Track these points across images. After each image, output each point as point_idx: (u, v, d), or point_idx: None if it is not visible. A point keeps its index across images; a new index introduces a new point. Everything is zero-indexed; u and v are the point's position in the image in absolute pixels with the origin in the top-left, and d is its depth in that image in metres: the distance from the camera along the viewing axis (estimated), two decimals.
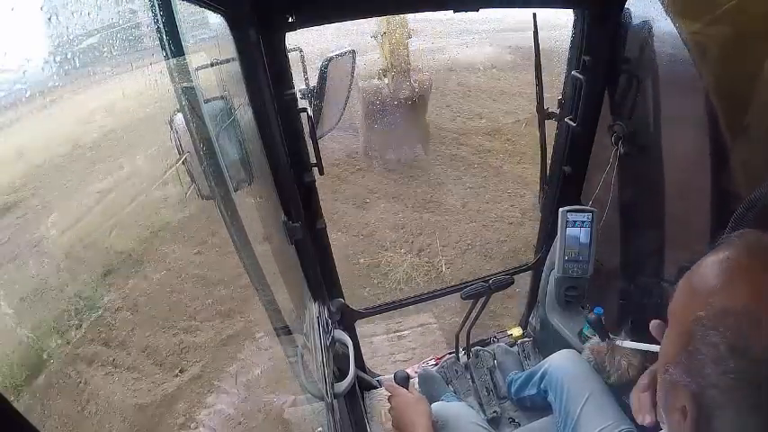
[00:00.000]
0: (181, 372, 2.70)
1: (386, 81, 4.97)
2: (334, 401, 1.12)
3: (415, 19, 5.45)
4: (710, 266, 0.48)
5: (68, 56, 0.49)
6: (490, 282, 1.50)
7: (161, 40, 0.61)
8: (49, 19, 0.45)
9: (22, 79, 0.44)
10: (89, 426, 2.34)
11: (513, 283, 1.55)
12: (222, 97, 0.87)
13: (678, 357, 0.48)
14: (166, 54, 0.62)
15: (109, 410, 2.42)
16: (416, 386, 1.67)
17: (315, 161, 1.19)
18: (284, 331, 1.09)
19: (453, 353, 1.80)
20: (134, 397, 2.49)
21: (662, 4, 1.08)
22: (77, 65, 0.51)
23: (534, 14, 1.25)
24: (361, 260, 3.80)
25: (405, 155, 5.24)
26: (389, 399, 1.08)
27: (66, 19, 0.47)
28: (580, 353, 1.27)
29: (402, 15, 4.58)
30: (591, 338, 1.26)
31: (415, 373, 1.77)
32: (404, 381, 1.15)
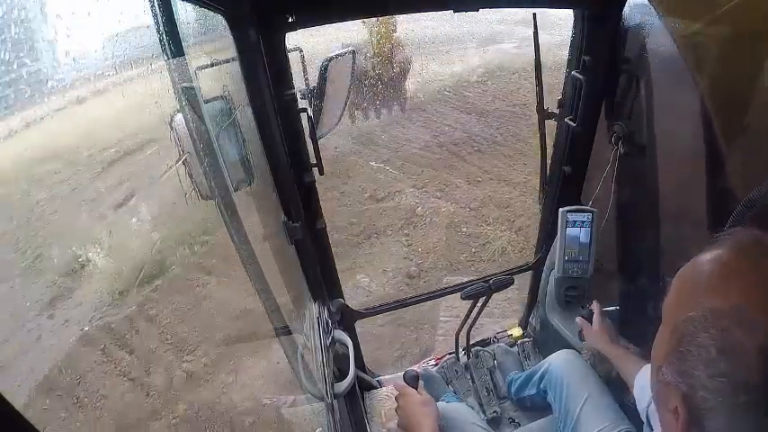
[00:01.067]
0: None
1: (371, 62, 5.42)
2: (334, 401, 1.12)
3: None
4: (701, 265, 0.48)
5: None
6: (490, 282, 1.50)
7: (161, 40, 0.61)
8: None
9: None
10: (198, 318, 2.79)
11: (513, 283, 1.55)
12: (222, 97, 0.87)
13: (670, 357, 0.48)
14: (166, 54, 0.62)
15: (219, 310, 2.87)
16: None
17: (315, 161, 1.19)
18: (284, 331, 1.09)
19: (453, 353, 1.80)
20: (243, 304, 2.72)
21: (662, 4, 1.08)
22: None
23: (534, 15, 1.25)
24: (464, 229, 4.09)
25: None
26: (397, 398, 1.07)
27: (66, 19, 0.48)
28: (580, 353, 1.27)
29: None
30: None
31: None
32: (413, 380, 1.12)
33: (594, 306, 1.27)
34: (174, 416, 2.38)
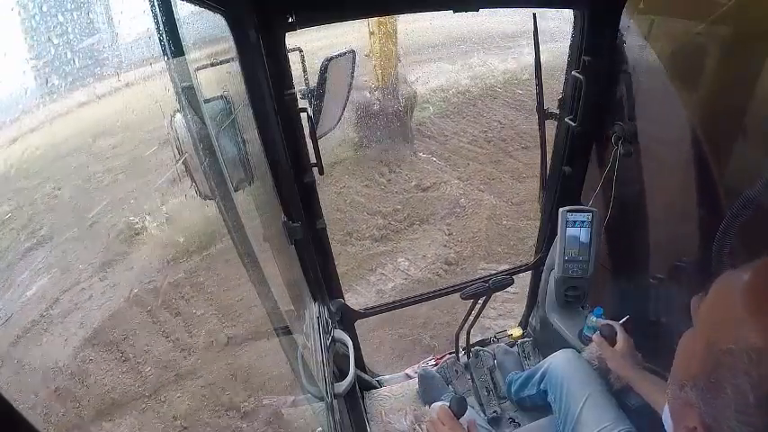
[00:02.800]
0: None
1: (376, 95, 5.29)
2: (334, 401, 1.11)
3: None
4: (753, 287, 0.43)
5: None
6: (490, 282, 1.50)
7: (161, 40, 0.61)
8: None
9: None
10: (243, 290, 2.78)
11: (512, 282, 1.55)
12: (222, 97, 0.87)
13: (700, 381, 0.44)
14: (166, 54, 0.62)
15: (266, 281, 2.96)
16: (417, 386, 1.67)
17: (315, 161, 1.19)
18: (284, 331, 1.09)
19: (453, 353, 1.80)
20: (285, 278, 2.93)
21: (661, 4, 1.08)
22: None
23: (534, 15, 1.25)
24: (504, 222, 4.18)
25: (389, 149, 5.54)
26: (431, 426, 1.01)
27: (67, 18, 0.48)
28: (580, 353, 1.27)
29: (392, 39, 4.92)
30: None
31: (415, 372, 1.77)
32: (461, 408, 1.01)
33: (616, 325, 1.16)
34: (211, 376, 2.47)
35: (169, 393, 2.40)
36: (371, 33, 4.92)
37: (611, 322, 1.18)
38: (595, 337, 1.17)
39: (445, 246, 3.91)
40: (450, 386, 1.68)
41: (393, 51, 5.05)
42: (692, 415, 0.44)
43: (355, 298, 3.20)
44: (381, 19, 4.65)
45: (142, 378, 2.43)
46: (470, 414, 1.15)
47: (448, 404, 1.04)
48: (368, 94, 5.23)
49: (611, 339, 1.14)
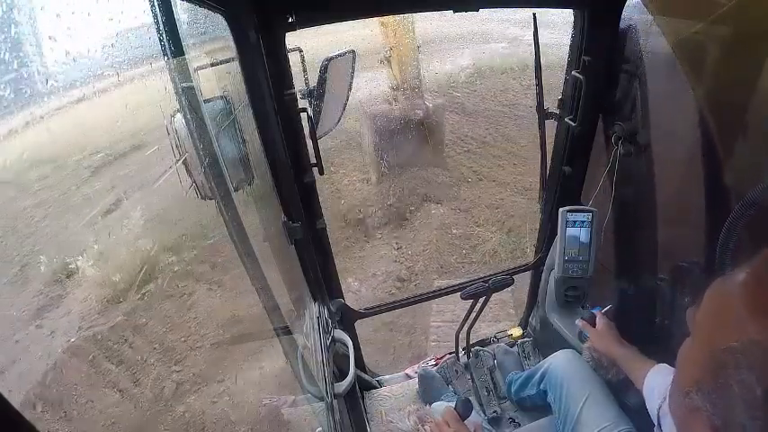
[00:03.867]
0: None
1: (395, 104, 4.74)
2: (334, 401, 1.11)
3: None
4: (746, 283, 0.43)
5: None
6: (490, 282, 1.50)
7: (161, 40, 0.61)
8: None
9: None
10: (187, 327, 2.74)
11: (513, 282, 1.55)
12: (222, 97, 0.87)
13: (704, 386, 0.43)
14: (166, 54, 0.62)
15: (207, 318, 2.84)
16: (417, 386, 1.67)
17: (315, 161, 1.19)
18: (284, 331, 1.09)
19: (453, 353, 1.80)
20: (232, 311, 2.81)
21: (661, 4, 1.08)
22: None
23: (534, 14, 1.25)
24: (454, 231, 4.12)
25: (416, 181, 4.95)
26: (435, 427, 1.02)
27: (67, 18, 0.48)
28: (580, 353, 1.27)
29: (410, 30, 4.57)
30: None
31: (415, 372, 1.77)
32: (466, 410, 1.00)
33: (596, 312, 1.24)
34: (165, 427, 2.34)
35: None
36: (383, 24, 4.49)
37: (592, 311, 1.26)
38: (578, 321, 1.25)
39: (395, 261, 3.83)
40: (450, 386, 1.68)
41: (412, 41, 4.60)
42: (700, 420, 0.44)
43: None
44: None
45: None
46: (475, 417, 1.16)
47: (453, 405, 1.04)
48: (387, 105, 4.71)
49: (591, 321, 1.22)
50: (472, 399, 1.62)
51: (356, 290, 3.59)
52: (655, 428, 0.84)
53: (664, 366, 0.95)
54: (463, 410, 1.02)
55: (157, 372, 2.59)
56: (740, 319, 0.41)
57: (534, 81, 1.40)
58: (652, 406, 0.87)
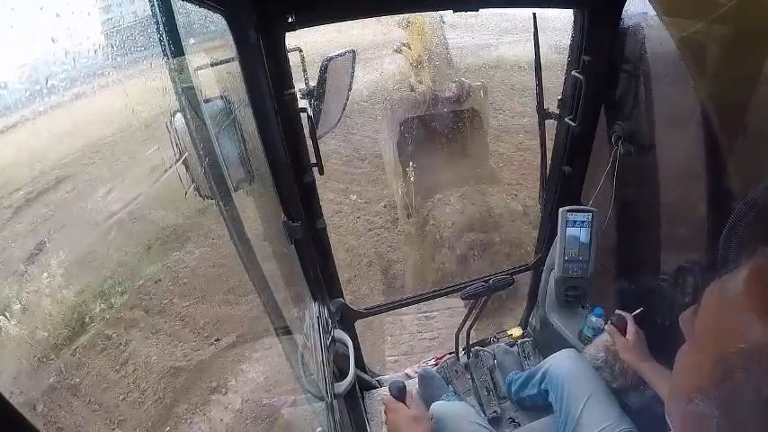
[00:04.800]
0: (216, 341, 2.83)
1: (421, 87, 3.70)
2: (334, 401, 1.11)
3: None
4: (747, 284, 0.42)
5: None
6: (490, 282, 1.50)
7: (161, 40, 0.61)
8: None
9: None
10: (126, 384, 2.50)
11: (513, 282, 1.55)
12: (222, 97, 0.87)
13: (709, 390, 0.42)
14: (166, 54, 0.62)
15: (146, 371, 2.61)
16: (417, 386, 1.67)
17: (315, 161, 1.19)
18: (284, 331, 1.09)
19: (453, 353, 1.80)
20: (170, 360, 2.63)
21: (661, 4, 1.08)
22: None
23: (534, 15, 1.25)
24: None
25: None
26: (385, 412, 1.02)
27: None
28: (580, 353, 1.27)
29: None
30: (594, 338, 1.27)
31: (415, 372, 1.77)
32: (400, 392, 1.02)
33: (626, 316, 1.17)
34: None
35: None
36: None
37: (623, 313, 1.18)
38: (608, 327, 1.17)
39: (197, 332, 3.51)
40: (450, 386, 1.68)
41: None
42: (706, 426, 0.43)
43: None
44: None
45: None
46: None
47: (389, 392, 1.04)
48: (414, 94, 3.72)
49: (621, 331, 1.15)
50: (472, 398, 1.62)
51: None
52: None
53: None
54: (397, 394, 1.02)
55: None
56: (745, 320, 0.40)
57: (534, 81, 1.40)
58: None
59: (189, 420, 2.41)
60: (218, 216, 0.78)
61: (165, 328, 2.85)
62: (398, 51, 4.06)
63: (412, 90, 3.81)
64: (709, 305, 0.45)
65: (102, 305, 2.62)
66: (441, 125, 3.60)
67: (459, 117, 3.64)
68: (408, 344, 2.88)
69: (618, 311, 1.20)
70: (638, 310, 1.20)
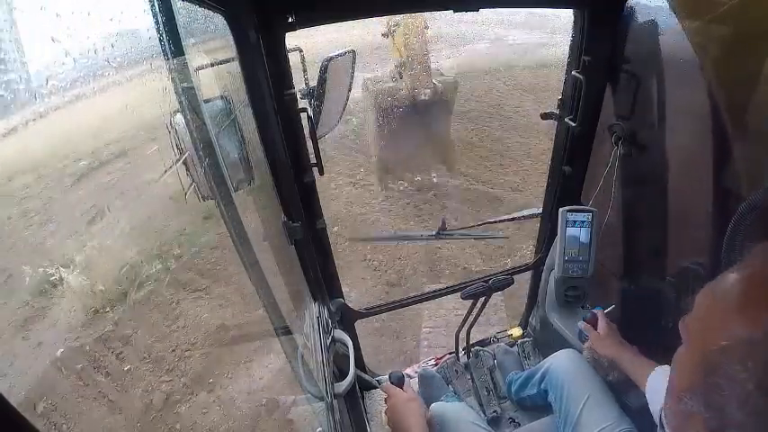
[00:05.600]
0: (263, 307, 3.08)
1: (402, 82, 4.37)
2: (334, 401, 1.11)
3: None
4: (734, 285, 0.43)
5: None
6: (490, 282, 1.50)
7: (161, 40, 0.61)
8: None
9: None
10: (175, 338, 2.72)
11: (512, 282, 1.55)
12: (222, 97, 0.87)
13: (697, 388, 0.44)
14: (166, 54, 0.62)
15: (195, 327, 2.82)
16: (416, 386, 1.67)
17: (315, 161, 1.18)
18: (284, 331, 1.09)
19: (453, 353, 1.80)
20: (219, 319, 2.80)
21: (662, 4, 1.08)
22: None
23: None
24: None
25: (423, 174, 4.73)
26: (385, 400, 1.09)
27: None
28: (580, 353, 1.27)
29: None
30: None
31: (415, 372, 1.77)
32: (399, 381, 1.14)
33: (597, 312, 1.25)
34: None
35: None
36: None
37: (594, 310, 1.26)
38: (581, 324, 1.25)
39: (376, 271, 3.80)
40: (450, 386, 1.68)
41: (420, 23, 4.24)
42: (695, 424, 0.44)
43: None
44: None
45: None
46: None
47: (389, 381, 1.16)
48: (391, 83, 4.43)
49: (593, 323, 1.23)
50: (472, 399, 1.62)
51: None
52: (658, 429, 0.84)
53: (667, 368, 0.95)
54: (396, 382, 1.14)
55: (147, 381, 2.54)
56: (732, 318, 0.42)
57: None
58: (655, 408, 0.87)
59: (231, 375, 2.56)
60: (218, 216, 0.78)
61: (216, 291, 3.02)
62: (386, 35, 4.57)
63: (394, 80, 4.52)
64: (701, 306, 0.47)
65: (158, 266, 2.83)
66: (413, 116, 4.39)
67: (428, 109, 4.42)
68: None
69: (591, 310, 1.28)
70: (610, 307, 1.27)
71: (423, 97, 4.25)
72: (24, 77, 0.47)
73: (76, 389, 2.40)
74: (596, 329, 1.21)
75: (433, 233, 1.73)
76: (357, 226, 4.31)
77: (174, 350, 2.68)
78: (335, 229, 4.16)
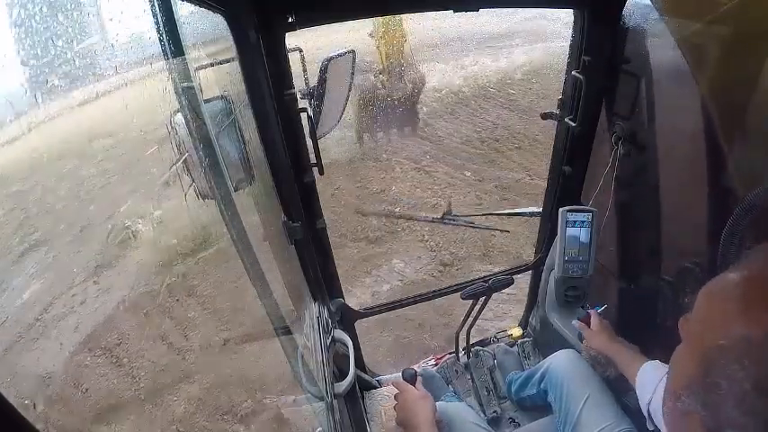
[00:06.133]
0: None
1: (381, 79, 5.29)
2: (334, 401, 1.11)
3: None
4: (733, 284, 0.43)
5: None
6: (490, 282, 1.50)
7: (161, 40, 0.61)
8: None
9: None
10: (238, 291, 2.64)
11: (512, 282, 1.55)
12: (222, 97, 0.87)
13: (694, 387, 0.43)
14: (166, 54, 0.62)
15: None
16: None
17: (315, 161, 1.18)
18: (284, 331, 1.09)
19: (453, 353, 1.80)
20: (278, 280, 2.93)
21: (662, 3, 1.08)
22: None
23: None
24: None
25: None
26: (396, 396, 1.09)
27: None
28: (580, 353, 1.27)
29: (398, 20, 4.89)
30: None
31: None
32: (411, 378, 1.15)
33: (590, 311, 1.28)
34: (208, 379, 2.46)
35: (165, 397, 2.39)
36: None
37: (587, 309, 1.30)
38: (575, 322, 1.28)
39: (432, 251, 3.92)
40: (450, 386, 1.68)
41: (400, 29, 5.10)
42: (693, 423, 0.44)
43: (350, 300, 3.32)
44: None
45: (137, 383, 2.42)
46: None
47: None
48: (372, 78, 5.25)
49: (587, 321, 1.26)
50: (472, 399, 1.63)
51: None
52: (647, 422, 0.84)
53: (657, 362, 0.96)
54: (409, 379, 1.16)
55: (207, 328, 2.71)
56: (729, 317, 0.42)
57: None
58: (643, 402, 0.89)
59: (240, 366, 2.62)
60: (217, 216, 0.78)
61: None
62: (371, 35, 5.38)
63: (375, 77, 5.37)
64: (700, 306, 0.47)
65: (224, 230, 2.95)
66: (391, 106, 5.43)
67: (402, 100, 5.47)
68: None
69: (585, 310, 1.31)
70: (602, 307, 1.30)
71: (402, 93, 5.30)
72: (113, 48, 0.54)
73: (140, 329, 2.53)
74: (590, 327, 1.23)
75: (438, 216, 1.75)
76: (419, 207, 4.54)
77: (235, 303, 2.76)
78: (398, 209, 4.47)
